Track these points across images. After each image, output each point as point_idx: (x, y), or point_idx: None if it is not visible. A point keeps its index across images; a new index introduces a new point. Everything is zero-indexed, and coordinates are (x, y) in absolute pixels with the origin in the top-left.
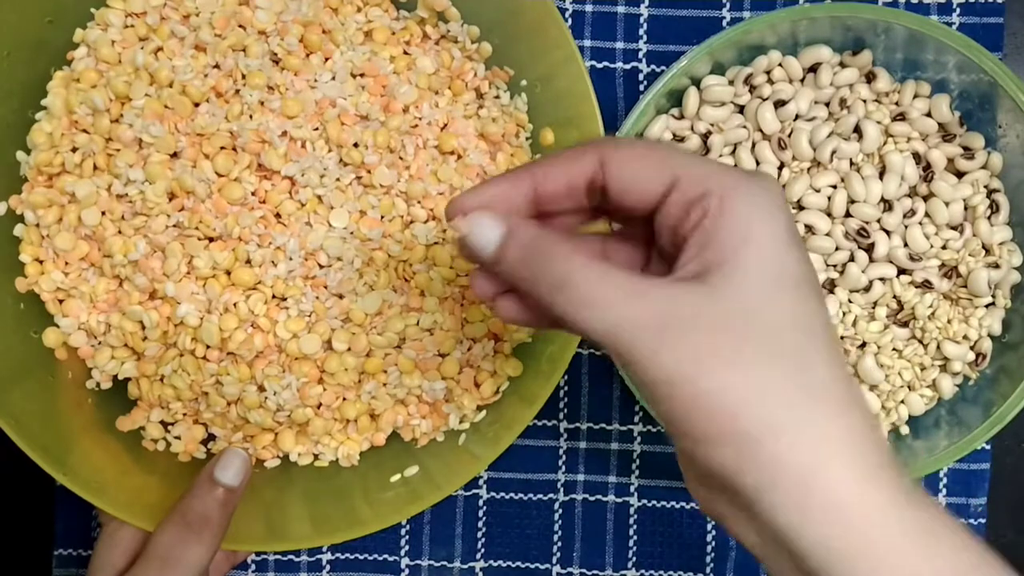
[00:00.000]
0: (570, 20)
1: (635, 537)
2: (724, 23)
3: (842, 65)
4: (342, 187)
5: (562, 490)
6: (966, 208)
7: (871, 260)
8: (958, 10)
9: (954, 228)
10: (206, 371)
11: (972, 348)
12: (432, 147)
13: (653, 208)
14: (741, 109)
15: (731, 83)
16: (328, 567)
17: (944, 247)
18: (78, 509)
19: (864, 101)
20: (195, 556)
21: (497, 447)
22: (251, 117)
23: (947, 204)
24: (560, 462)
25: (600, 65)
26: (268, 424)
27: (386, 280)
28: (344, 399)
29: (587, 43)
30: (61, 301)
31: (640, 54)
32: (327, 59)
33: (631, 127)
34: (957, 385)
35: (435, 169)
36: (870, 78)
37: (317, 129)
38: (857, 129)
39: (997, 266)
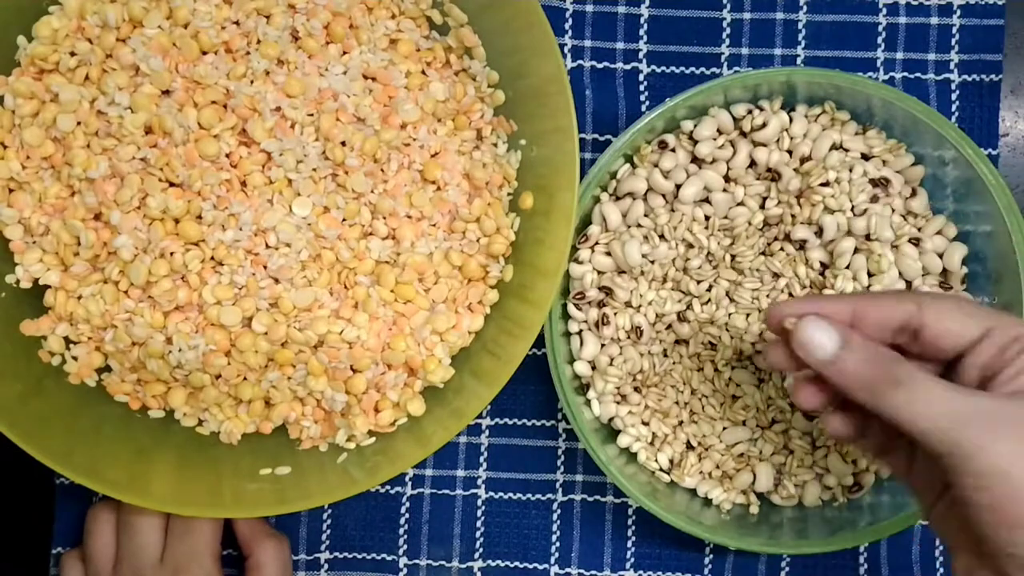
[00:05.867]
0: (570, 20)
1: (633, 538)
2: (724, 23)
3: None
4: (315, 178)
5: (560, 490)
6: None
7: None
8: (958, 11)
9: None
10: (122, 306)
11: None
12: (416, 170)
13: (961, 351)
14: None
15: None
16: (326, 566)
17: None
18: (78, 508)
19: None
20: None
21: (375, 477)
22: (251, 83)
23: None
24: (559, 462)
25: (600, 65)
26: (164, 376)
27: (326, 280)
28: (244, 379)
29: (587, 43)
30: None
31: (640, 54)
32: (345, 53)
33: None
34: None
35: (411, 192)
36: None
37: (311, 115)
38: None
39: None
